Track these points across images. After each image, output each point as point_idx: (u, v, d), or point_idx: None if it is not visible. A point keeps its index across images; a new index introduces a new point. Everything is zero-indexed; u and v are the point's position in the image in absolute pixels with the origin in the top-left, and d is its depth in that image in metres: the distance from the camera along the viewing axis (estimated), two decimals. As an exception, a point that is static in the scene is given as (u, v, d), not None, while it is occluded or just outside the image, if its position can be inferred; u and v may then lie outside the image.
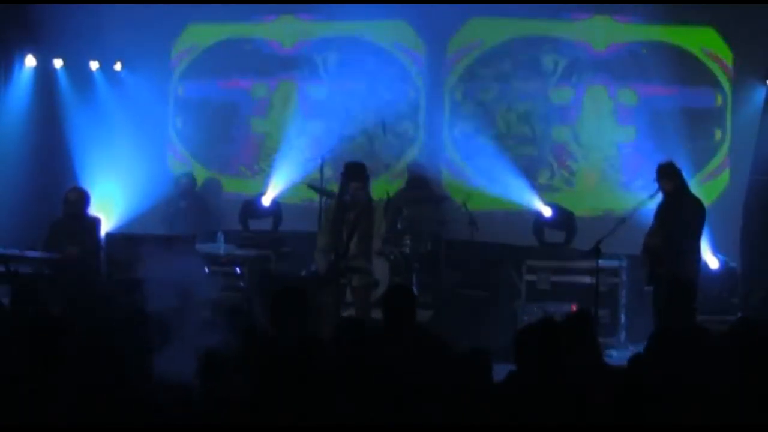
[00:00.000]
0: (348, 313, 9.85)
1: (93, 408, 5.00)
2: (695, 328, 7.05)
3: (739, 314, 10.51)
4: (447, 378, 5.50)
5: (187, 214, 12.32)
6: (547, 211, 11.86)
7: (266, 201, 12.53)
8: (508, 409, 5.25)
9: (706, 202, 10.14)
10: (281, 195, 12.57)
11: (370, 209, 9.85)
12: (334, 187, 10.31)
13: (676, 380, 5.32)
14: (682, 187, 9.85)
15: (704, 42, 11.55)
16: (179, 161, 12.75)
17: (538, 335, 5.62)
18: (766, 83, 11.37)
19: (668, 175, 9.79)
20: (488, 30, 12.36)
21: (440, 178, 12.48)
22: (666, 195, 9.82)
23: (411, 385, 5.43)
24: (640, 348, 6.55)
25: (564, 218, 11.78)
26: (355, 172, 9.88)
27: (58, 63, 12.51)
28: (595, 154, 12.12)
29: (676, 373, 5.40)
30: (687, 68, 11.68)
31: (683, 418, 5.09)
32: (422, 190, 12.12)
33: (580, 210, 11.99)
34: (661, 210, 9.86)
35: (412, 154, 12.60)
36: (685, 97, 11.72)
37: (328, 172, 11.28)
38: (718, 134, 11.68)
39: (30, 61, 12.28)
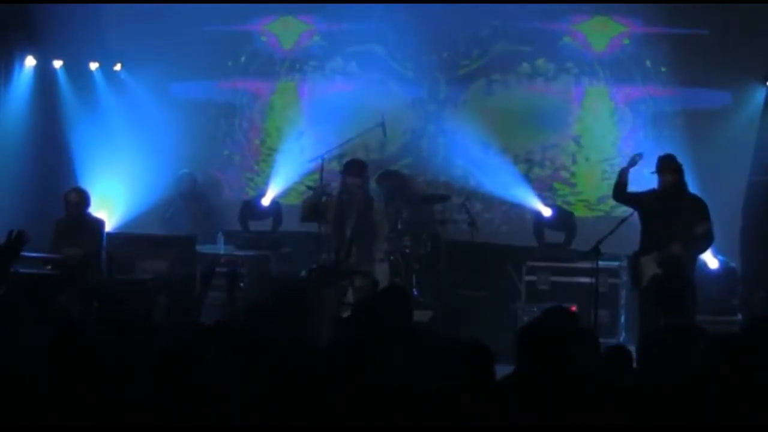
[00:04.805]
0: (348, 314, 9.84)
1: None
2: (694, 327, 7.08)
3: (739, 315, 10.51)
4: (446, 376, 5.49)
5: (187, 214, 12.32)
6: (546, 212, 11.86)
7: (266, 201, 12.52)
8: (508, 408, 5.25)
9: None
10: (281, 195, 12.57)
11: (371, 211, 9.85)
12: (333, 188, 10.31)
13: (674, 379, 5.33)
14: (683, 183, 9.68)
15: (703, 43, 11.54)
16: (179, 162, 12.73)
17: (540, 334, 5.61)
18: (766, 84, 11.37)
19: (671, 169, 9.61)
20: (489, 30, 12.37)
21: (440, 178, 12.48)
22: (664, 189, 9.65)
23: (408, 385, 5.42)
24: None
25: (564, 219, 11.78)
26: (352, 169, 9.89)
27: (58, 63, 12.50)
28: (595, 155, 12.11)
29: (674, 372, 5.40)
30: (687, 68, 11.68)
31: (683, 417, 5.09)
32: (422, 190, 12.12)
33: (580, 210, 12.00)
34: (659, 204, 9.64)
35: (412, 154, 12.59)
36: (685, 97, 11.73)
37: (328, 172, 11.27)
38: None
39: (30, 61, 12.27)
